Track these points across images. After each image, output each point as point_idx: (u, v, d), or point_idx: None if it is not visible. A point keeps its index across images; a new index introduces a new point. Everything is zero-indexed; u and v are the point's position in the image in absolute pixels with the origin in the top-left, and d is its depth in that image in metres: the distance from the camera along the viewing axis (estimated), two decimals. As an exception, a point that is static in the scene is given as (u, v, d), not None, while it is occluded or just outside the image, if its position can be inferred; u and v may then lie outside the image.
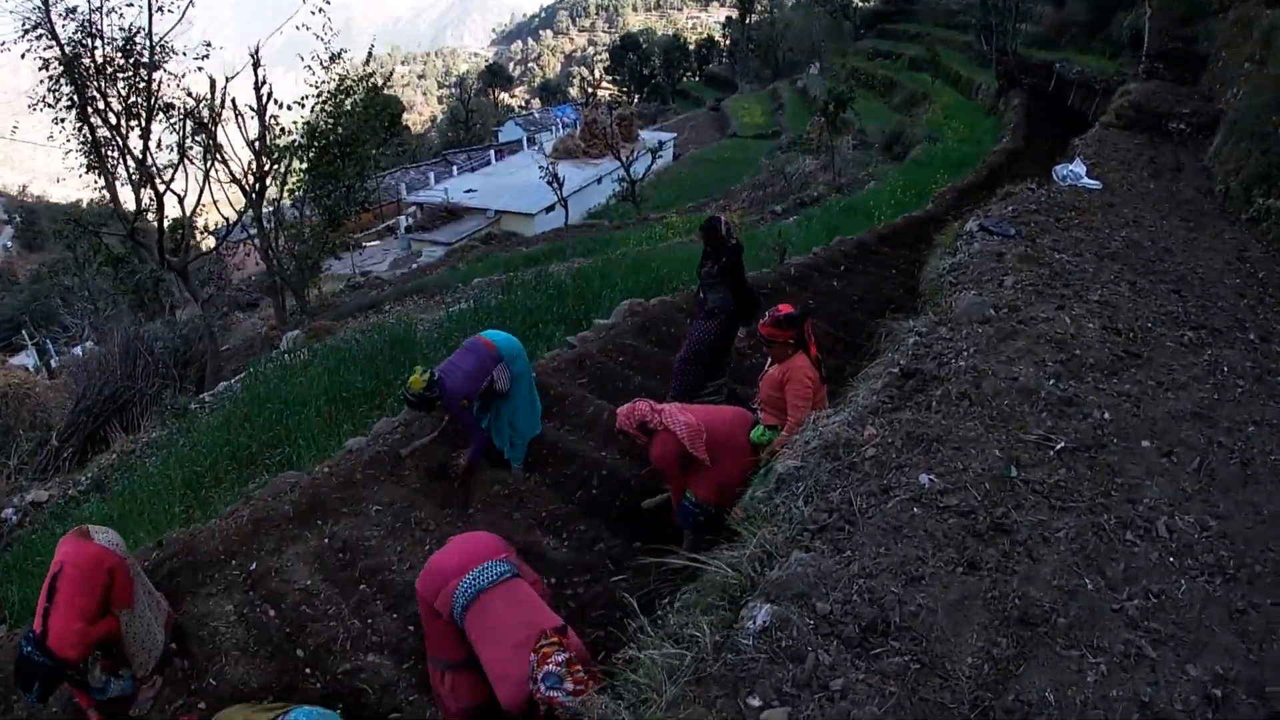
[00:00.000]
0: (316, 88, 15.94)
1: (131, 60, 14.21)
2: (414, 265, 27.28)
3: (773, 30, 61.04)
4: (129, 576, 3.89)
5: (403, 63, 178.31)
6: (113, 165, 14.56)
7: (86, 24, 13.81)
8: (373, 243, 34.21)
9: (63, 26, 13.71)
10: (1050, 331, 4.47)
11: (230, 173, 15.35)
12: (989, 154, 18.24)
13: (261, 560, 4.87)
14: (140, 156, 14.56)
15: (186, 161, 14.77)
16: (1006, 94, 25.66)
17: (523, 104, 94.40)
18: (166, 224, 15.27)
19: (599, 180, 35.65)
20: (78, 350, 12.74)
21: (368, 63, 16.85)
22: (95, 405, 10.70)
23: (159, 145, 14.80)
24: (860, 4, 52.04)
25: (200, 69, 14.99)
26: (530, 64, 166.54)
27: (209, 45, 14.98)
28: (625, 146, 36.26)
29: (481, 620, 3.04)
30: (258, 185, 15.69)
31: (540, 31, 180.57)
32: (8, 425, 11.40)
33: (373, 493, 5.15)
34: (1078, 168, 9.22)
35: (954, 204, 13.70)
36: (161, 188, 14.71)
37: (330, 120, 16.06)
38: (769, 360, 4.57)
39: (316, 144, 15.88)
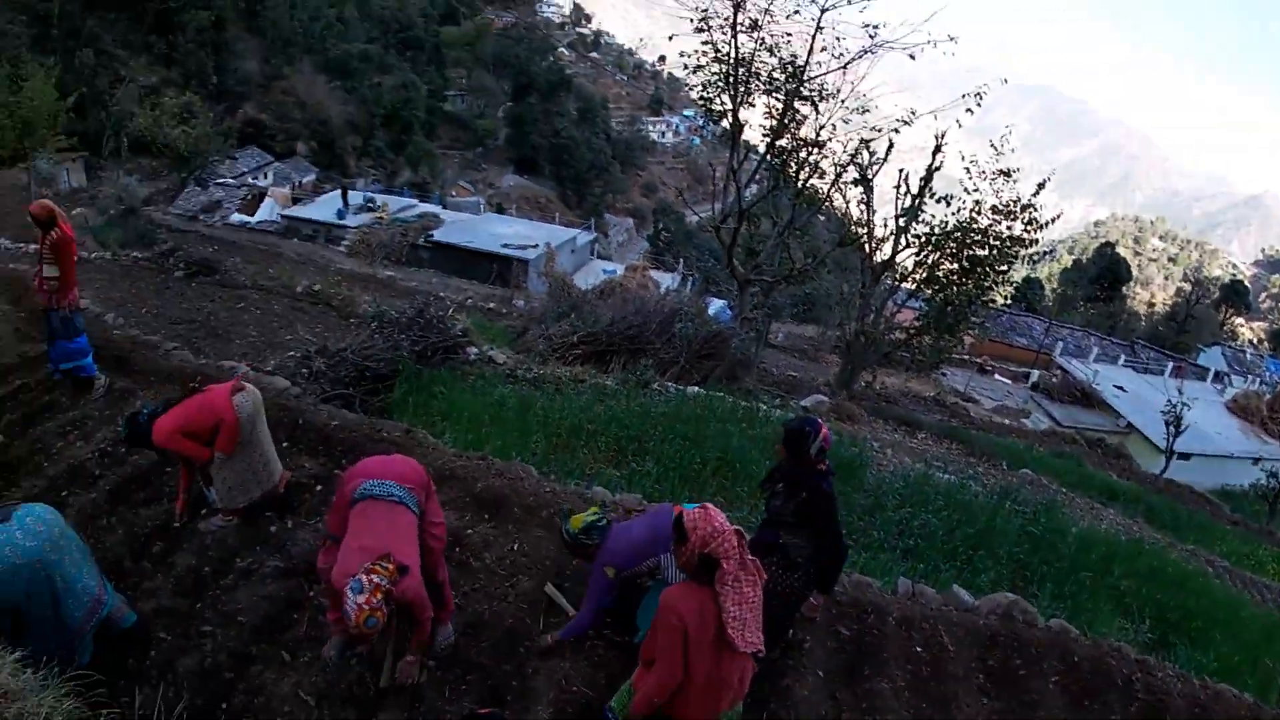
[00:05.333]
0: (970, 191, 14.75)
1: (789, 82, 14.98)
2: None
3: None
4: (235, 435, 4.64)
5: (1160, 237, 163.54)
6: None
7: (759, 35, 14.90)
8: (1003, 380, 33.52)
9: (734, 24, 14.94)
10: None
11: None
12: None
13: None
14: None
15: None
16: None
17: (1256, 339, 76.59)
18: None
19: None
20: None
21: (1036, 194, 14.99)
22: None
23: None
24: None
25: (897, 130, 15.25)
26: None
27: (913, 113, 14.83)
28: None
29: (359, 516, 3.57)
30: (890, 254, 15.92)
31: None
32: None
33: None
34: None
35: None
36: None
37: (961, 235, 14.88)
38: None
39: (936, 247, 15.00)
